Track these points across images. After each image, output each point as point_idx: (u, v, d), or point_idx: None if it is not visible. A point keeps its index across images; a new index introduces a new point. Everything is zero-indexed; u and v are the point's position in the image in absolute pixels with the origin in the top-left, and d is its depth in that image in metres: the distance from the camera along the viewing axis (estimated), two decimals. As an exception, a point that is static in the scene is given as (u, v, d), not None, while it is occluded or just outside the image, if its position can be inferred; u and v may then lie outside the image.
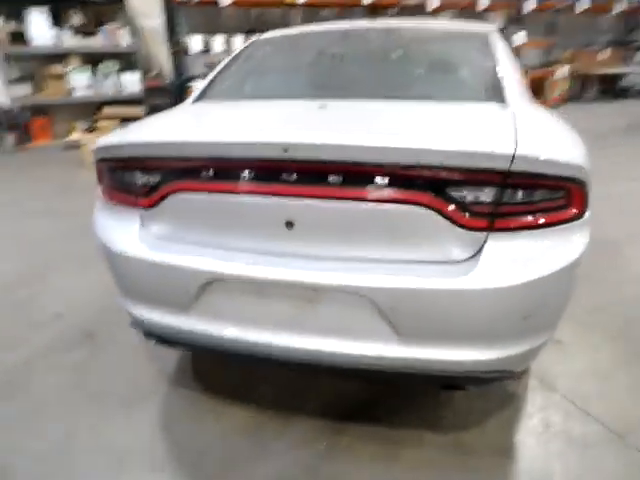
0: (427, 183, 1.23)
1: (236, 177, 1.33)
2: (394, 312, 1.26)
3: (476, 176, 1.22)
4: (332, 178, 1.26)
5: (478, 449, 1.55)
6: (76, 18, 6.47)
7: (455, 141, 1.24)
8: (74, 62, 6.46)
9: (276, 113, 1.67)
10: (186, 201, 1.41)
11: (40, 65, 6.42)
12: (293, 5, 7.26)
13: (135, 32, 6.77)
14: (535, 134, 1.39)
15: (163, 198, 1.43)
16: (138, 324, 1.57)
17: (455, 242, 1.26)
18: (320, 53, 2.12)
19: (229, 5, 6.70)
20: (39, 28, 6.19)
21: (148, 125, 1.71)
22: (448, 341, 1.30)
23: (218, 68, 2.14)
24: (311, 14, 7.78)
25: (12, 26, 6.12)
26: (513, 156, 1.17)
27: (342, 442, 1.60)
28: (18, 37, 6.11)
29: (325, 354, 1.36)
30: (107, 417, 1.72)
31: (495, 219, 1.24)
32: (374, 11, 7.64)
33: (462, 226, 1.24)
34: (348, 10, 7.81)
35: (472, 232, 1.24)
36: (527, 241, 1.25)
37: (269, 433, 1.64)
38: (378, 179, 1.24)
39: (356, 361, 1.35)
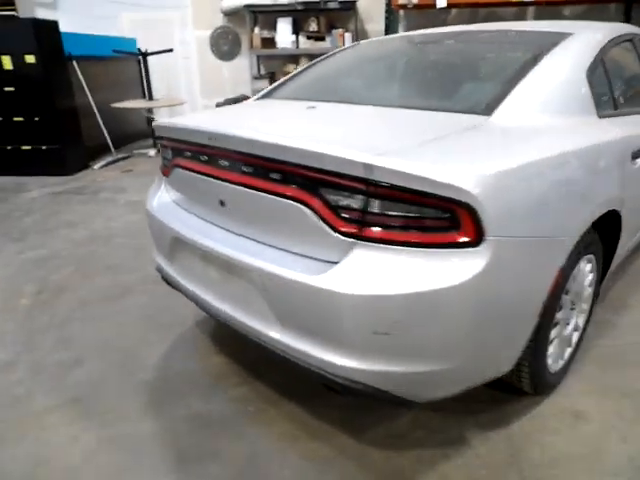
0: (309, 183, 1.29)
1: (197, 158, 1.63)
2: (269, 295, 1.38)
3: (346, 181, 1.22)
4: (244, 168, 1.44)
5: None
6: (312, 25, 7.52)
7: (339, 146, 1.26)
8: (303, 62, 7.55)
9: (272, 111, 1.87)
10: (179, 174, 1.79)
11: (280, 65, 7.74)
12: (525, 4, 6.74)
13: (359, 36, 7.43)
14: (449, 149, 1.27)
15: (172, 170, 1.84)
16: (157, 268, 2.04)
17: (328, 243, 1.28)
18: (381, 60, 2.19)
19: (450, 6, 6.68)
20: (284, 34, 7.46)
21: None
22: (315, 337, 1.33)
23: (301, 68, 2.42)
24: (549, 13, 7.06)
25: (265, 33, 7.57)
26: (369, 166, 1.14)
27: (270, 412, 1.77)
28: (268, 42, 7.53)
29: (237, 322, 1.55)
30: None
31: (364, 227, 1.22)
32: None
33: (334, 229, 1.26)
34: (598, 7, 6.78)
35: (343, 236, 1.25)
36: (394, 255, 1.19)
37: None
38: (273, 173, 1.36)
39: (256, 335, 1.50)
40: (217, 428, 1.70)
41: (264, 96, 2.31)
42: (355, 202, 1.22)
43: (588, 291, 1.85)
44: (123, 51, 6.01)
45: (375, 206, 1.19)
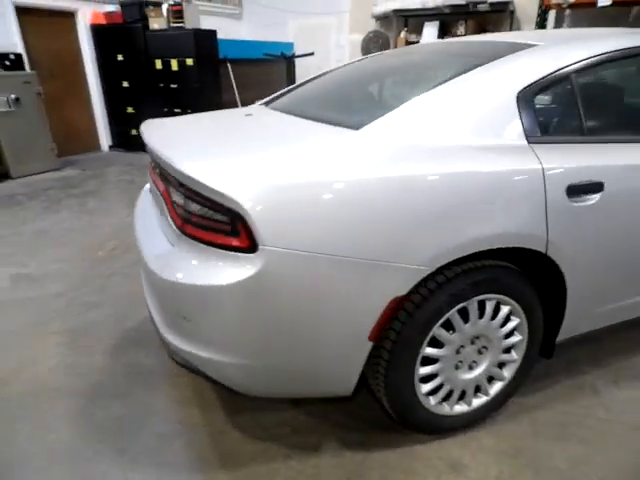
0: (168, 182, 1.50)
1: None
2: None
3: (174, 181, 1.40)
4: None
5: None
6: (460, 28, 7.23)
7: (177, 151, 1.46)
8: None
9: (216, 118, 2.01)
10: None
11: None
12: None
13: (510, 39, 6.89)
14: (254, 158, 1.33)
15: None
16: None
17: (173, 233, 1.47)
18: (346, 74, 2.20)
19: (616, 3, 5.74)
20: (428, 38, 7.36)
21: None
22: (159, 315, 1.54)
23: (311, 76, 2.53)
24: None
25: (412, 37, 7.57)
26: (177, 169, 1.32)
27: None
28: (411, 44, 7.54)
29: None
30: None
31: (185, 224, 1.38)
32: None
33: (173, 220, 1.45)
34: None
35: (176, 229, 1.43)
36: (195, 250, 1.35)
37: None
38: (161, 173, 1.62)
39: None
40: (147, 376, 2.04)
41: (267, 103, 2.50)
42: (181, 201, 1.39)
43: (506, 339, 1.63)
44: (270, 54, 6.74)
45: (188, 205, 1.35)
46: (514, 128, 1.48)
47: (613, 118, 1.75)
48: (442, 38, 7.26)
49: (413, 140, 1.40)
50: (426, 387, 1.58)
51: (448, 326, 1.52)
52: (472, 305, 1.51)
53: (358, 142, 1.38)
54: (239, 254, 1.25)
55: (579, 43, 1.64)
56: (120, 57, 6.54)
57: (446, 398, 1.65)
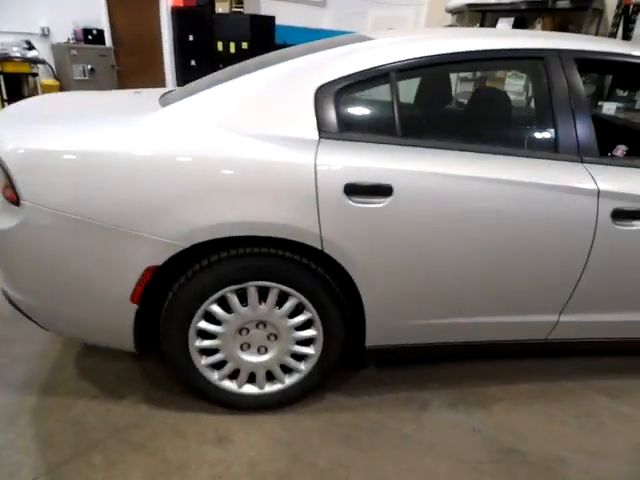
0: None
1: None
2: None
3: None
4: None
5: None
6: (538, 26, 6.66)
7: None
8: (517, 67, 6.84)
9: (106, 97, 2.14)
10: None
11: (493, 68, 7.21)
12: None
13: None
14: (46, 122, 1.51)
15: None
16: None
17: None
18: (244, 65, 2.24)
19: None
20: (501, 35, 6.90)
21: None
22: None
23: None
24: None
25: (486, 33, 7.15)
26: None
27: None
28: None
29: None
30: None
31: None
32: None
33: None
34: None
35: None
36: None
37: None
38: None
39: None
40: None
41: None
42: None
43: (299, 331, 1.65)
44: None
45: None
46: (307, 122, 1.49)
47: (422, 123, 1.64)
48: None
49: (198, 123, 1.47)
50: (207, 360, 1.66)
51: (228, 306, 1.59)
52: (250, 290, 1.56)
53: (149, 120, 1.49)
54: (12, 206, 1.45)
55: (407, 42, 1.57)
56: (191, 37, 7.08)
57: (235, 376, 1.72)
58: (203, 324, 1.60)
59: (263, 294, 1.58)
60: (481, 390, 1.95)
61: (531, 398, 1.92)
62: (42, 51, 6.11)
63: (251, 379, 1.73)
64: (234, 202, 1.42)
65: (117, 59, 6.72)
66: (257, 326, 1.64)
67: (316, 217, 1.45)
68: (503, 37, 1.64)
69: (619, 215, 1.61)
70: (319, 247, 1.49)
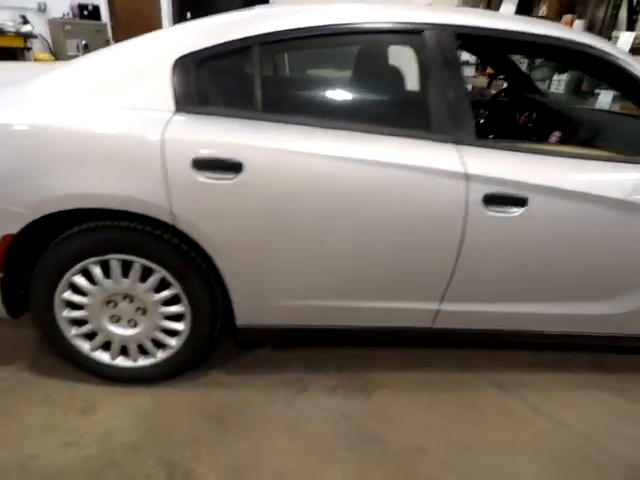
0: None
1: None
2: None
3: None
4: None
5: None
6: (543, 8, 6.36)
7: None
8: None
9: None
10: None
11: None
12: None
13: (596, 23, 5.89)
14: None
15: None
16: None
17: None
18: None
19: None
20: (504, 17, 6.61)
21: None
22: None
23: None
24: None
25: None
26: None
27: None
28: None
29: None
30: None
31: None
32: None
33: None
34: None
35: None
36: None
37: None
38: None
39: None
40: None
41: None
42: None
43: (166, 307, 1.65)
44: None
45: None
46: (162, 95, 1.46)
47: (287, 99, 1.59)
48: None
49: (58, 94, 1.47)
50: (78, 330, 1.69)
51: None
52: (113, 262, 1.56)
53: (22, 88, 1.50)
54: None
55: (276, 14, 1.52)
56: (188, 15, 7.05)
57: (107, 347, 1.74)
58: (68, 295, 1.61)
59: (129, 267, 1.59)
60: (370, 376, 1.92)
61: (419, 387, 1.88)
62: (39, 26, 6.19)
63: (125, 352, 1.75)
64: (80, 174, 1.41)
65: (115, 35, 6.76)
66: (125, 299, 1.65)
67: (165, 192, 1.44)
68: (382, 10, 1.57)
69: (492, 201, 1.54)
70: (170, 222, 1.48)
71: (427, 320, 1.77)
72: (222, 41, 1.48)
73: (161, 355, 1.75)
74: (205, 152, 1.42)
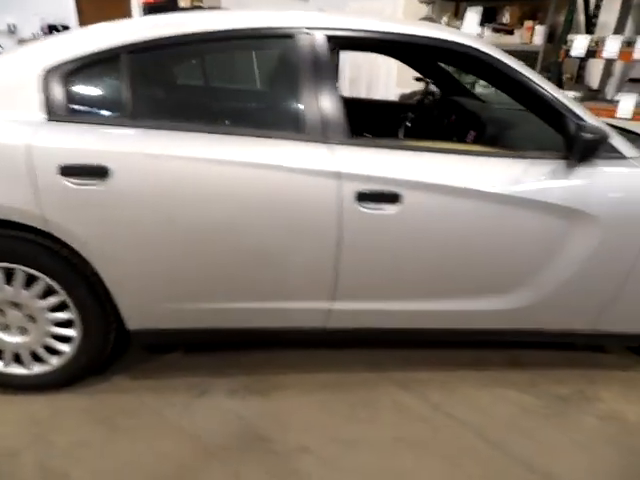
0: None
1: None
2: None
3: None
4: None
5: None
6: (506, 15, 6.44)
7: None
8: (486, 58, 6.64)
9: None
10: None
11: (464, 59, 7.01)
12: None
13: (557, 28, 5.96)
14: None
15: None
16: None
17: None
18: None
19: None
20: (470, 26, 6.69)
21: None
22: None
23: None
24: None
25: (457, 23, 6.94)
26: None
27: None
28: (454, 33, 6.91)
29: None
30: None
31: None
32: None
33: None
34: None
35: None
36: None
37: None
38: None
39: None
40: None
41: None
42: None
43: (49, 312, 1.66)
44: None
45: None
46: (32, 104, 1.50)
47: (156, 104, 1.62)
48: (486, 25, 6.54)
49: None
50: None
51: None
52: None
53: None
54: None
55: (144, 22, 1.56)
56: (160, 33, 7.18)
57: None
58: None
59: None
60: (273, 378, 1.92)
61: (320, 387, 1.89)
62: (9, 47, 6.32)
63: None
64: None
65: (88, 55, 6.88)
66: (13, 307, 1.67)
67: (34, 198, 1.46)
68: (252, 15, 1.61)
69: (365, 198, 1.56)
70: (44, 228, 1.50)
71: (320, 320, 1.78)
72: (91, 51, 1.52)
73: (56, 362, 1.75)
74: (71, 158, 1.45)
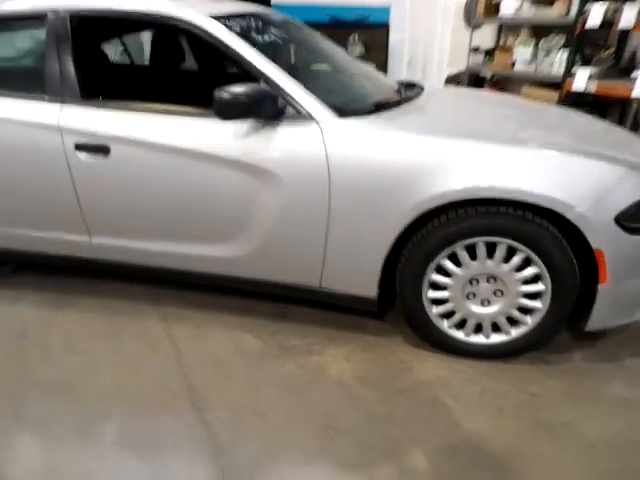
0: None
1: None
2: None
3: None
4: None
5: None
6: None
7: None
8: (523, 35, 6.17)
9: None
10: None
11: (504, 36, 6.52)
12: None
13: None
14: None
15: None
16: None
17: None
18: None
19: None
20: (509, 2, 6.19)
21: None
22: None
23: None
24: None
25: (495, -1, 6.44)
26: None
27: None
28: (495, 9, 6.44)
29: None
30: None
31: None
32: None
33: None
34: None
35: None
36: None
37: None
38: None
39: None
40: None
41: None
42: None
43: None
44: (338, 19, 6.66)
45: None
46: None
47: None
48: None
49: None
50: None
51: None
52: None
53: None
54: None
55: None
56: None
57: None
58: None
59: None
60: (64, 297, 2.38)
61: (98, 309, 2.29)
62: None
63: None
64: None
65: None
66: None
67: None
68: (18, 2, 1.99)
69: (82, 148, 1.90)
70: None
71: (87, 251, 2.16)
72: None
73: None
74: None
